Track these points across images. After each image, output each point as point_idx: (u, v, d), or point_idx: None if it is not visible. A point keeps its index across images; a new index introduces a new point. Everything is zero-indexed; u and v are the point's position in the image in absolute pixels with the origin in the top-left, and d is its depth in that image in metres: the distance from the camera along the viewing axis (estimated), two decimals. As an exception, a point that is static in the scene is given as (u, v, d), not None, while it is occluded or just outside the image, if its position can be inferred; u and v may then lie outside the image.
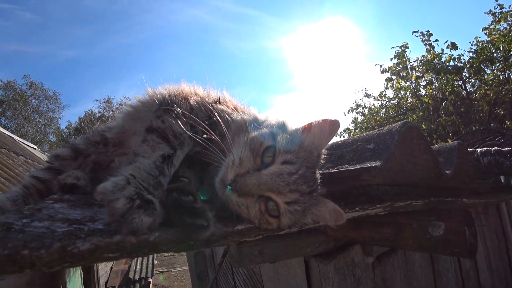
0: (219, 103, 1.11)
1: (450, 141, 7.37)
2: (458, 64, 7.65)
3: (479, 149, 1.52)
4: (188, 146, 0.88)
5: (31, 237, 0.51)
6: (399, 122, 0.84)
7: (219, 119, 0.93)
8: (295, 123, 0.98)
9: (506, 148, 1.75)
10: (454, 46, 7.65)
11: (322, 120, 0.91)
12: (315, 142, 0.90)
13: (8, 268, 0.47)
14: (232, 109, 1.06)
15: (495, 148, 1.68)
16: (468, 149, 1.22)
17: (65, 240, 0.51)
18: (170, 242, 0.58)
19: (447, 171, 0.96)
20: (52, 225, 0.63)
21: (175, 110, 0.94)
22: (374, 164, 0.76)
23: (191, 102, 1.04)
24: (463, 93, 7.96)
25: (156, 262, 10.68)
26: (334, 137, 0.96)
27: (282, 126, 0.94)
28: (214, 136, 0.85)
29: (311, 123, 0.93)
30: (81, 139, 1.32)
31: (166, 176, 0.73)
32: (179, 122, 0.88)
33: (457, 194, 1.39)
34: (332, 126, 0.91)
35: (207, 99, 1.11)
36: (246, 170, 0.78)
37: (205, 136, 0.85)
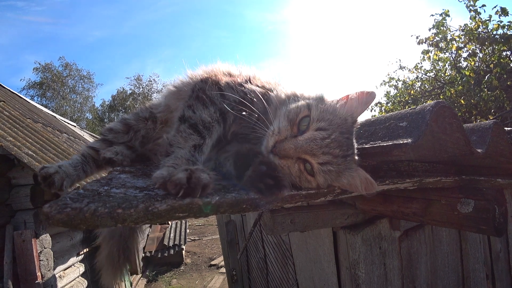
0: (253, 80, 1.19)
1: (491, 117, 6.84)
2: (507, 32, 6.84)
3: (518, 128, 1.46)
4: (216, 133, 1.00)
5: (121, 199, 0.65)
6: (432, 102, 0.87)
7: (259, 95, 1.03)
8: (332, 95, 1.04)
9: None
10: (504, 11, 6.78)
11: (359, 92, 0.98)
12: (349, 111, 0.97)
13: (108, 222, 0.61)
14: (268, 86, 1.15)
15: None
16: (506, 128, 1.20)
17: (147, 202, 0.64)
18: (228, 204, 0.70)
19: (479, 150, 0.98)
20: (127, 191, 0.77)
21: (209, 95, 1.04)
22: (405, 141, 0.82)
23: (229, 81, 1.13)
24: (511, 65, 7.20)
25: (188, 231, 11.50)
26: (366, 111, 1.01)
27: (319, 99, 1.01)
28: (257, 113, 0.96)
29: (347, 95, 1.00)
30: (131, 115, 1.47)
31: (199, 162, 0.87)
32: (209, 110, 1.00)
33: (491, 174, 1.38)
34: (368, 96, 0.97)
35: (242, 77, 1.20)
36: (284, 137, 0.90)
37: (255, 115, 0.96)
